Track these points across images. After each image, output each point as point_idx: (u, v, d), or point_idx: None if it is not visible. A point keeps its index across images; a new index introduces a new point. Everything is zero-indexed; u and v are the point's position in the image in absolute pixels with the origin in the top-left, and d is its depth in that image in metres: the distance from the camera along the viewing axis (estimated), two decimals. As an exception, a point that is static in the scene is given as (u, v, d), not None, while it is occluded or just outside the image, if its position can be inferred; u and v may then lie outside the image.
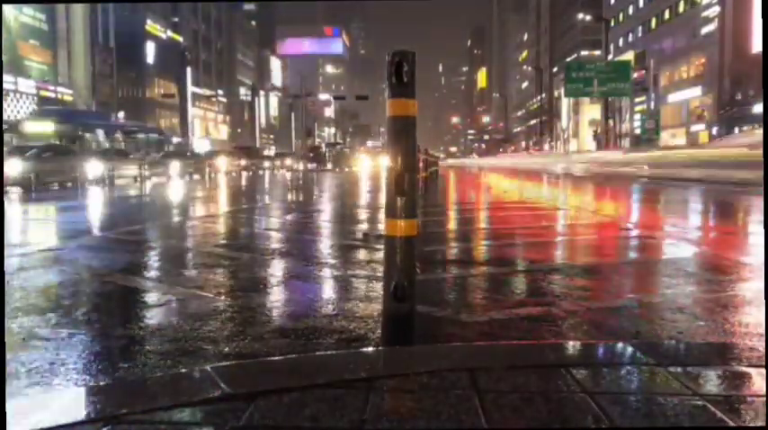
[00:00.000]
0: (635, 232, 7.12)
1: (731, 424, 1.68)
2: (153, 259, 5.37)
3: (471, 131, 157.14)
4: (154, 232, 7.62)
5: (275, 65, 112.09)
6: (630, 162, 28.08)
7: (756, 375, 2.05)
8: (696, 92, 47.17)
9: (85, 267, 4.76)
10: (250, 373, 2.19)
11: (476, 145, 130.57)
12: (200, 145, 59.22)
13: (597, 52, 61.94)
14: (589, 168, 30.91)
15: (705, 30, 45.36)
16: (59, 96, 42.40)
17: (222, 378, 2.03)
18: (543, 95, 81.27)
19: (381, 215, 8.28)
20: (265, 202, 13.14)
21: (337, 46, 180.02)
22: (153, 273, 4.62)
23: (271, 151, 58.42)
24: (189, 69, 60.17)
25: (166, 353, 2.61)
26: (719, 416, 1.72)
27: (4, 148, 20.43)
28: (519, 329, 2.98)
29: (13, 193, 15.78)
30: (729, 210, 10.36)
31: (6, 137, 26.55)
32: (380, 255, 2.45)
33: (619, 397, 1.87)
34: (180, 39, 68.14)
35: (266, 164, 43.86)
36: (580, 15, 64.17)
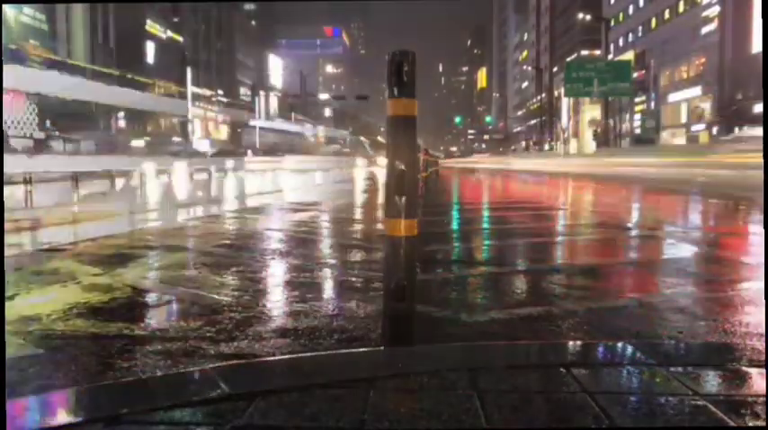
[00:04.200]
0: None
1: (731, 424, 1.68)
2: (151, 255, 5.37)
3: (471, 131, 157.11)
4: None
5: (275, 65, 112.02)
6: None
7: (756, 375, 2.05)
8: (696, 92, 47.15)
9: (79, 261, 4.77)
10: (250, 373, 2.19)
11: (476, 145, 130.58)
12: (200, 145, 59.07)
13: (597, 52, 61.88)
14: None
15: (705, 30, 45.34)
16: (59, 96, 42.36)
17: (222, 378, 2.03)
18: (543, 95, 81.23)
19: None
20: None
21: (337, 46, 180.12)
22: (158, 274, 4.61)
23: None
24: (189, 69, 60.11)
25: (166, 353, 2.61)
26: (719, 416, 1.72)
27: None
28: (519, 329, 2.98)
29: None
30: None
31: None
32: (380, 254, 2.46)
33: (619, 397, 1.87)
34: (180, 39, 68.09)
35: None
36: (580, 15, 64.16)
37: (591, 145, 55.60)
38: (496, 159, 65.03)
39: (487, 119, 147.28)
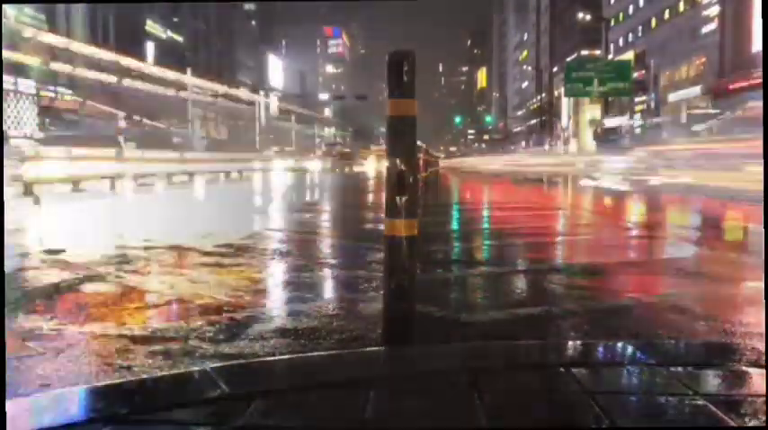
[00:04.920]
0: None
1: (731, 424, 1.68)
2: (153, 256, 5.37)
3: (471, 131, 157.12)
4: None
5: (275, 65, 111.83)
6: None
7: (756, 375, 2.05)
8: (696, 92, 47.13)
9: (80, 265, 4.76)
10: (250, 373, 2.19)
11: (476, 145, 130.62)
12: (200, 145, 59.04)
13: (597, 52, 61.84)
14: None
15: (705, 30, 45.34)
16: (59, 97, 42.34)
17: (222, 378, 2.02)
18: (543, 95, 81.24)
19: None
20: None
21: (337, 46, 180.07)
22: (150, 269, 4.61)
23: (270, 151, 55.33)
24: (189, 69, 60.12)
25: (166, 353, 2.61)
26: (719, 416, 1.72)
27: None
28: (519, 329, 2.98)
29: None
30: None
31: None
32: (381, 254, 2.47)
33: (619, 396, 1.87)
34: (180, 39, 68.07)
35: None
36: (580, 15, 64.10)
37: (591, 145, 55.57)
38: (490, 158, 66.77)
39: (487, 119, 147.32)
